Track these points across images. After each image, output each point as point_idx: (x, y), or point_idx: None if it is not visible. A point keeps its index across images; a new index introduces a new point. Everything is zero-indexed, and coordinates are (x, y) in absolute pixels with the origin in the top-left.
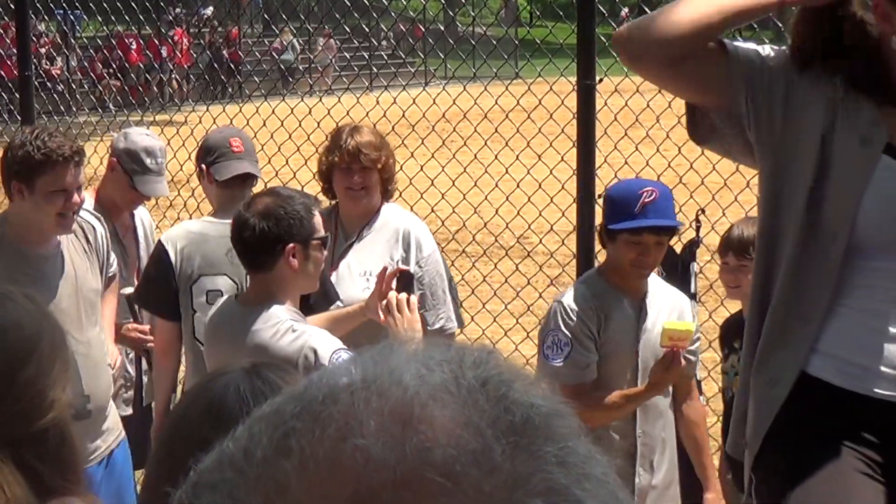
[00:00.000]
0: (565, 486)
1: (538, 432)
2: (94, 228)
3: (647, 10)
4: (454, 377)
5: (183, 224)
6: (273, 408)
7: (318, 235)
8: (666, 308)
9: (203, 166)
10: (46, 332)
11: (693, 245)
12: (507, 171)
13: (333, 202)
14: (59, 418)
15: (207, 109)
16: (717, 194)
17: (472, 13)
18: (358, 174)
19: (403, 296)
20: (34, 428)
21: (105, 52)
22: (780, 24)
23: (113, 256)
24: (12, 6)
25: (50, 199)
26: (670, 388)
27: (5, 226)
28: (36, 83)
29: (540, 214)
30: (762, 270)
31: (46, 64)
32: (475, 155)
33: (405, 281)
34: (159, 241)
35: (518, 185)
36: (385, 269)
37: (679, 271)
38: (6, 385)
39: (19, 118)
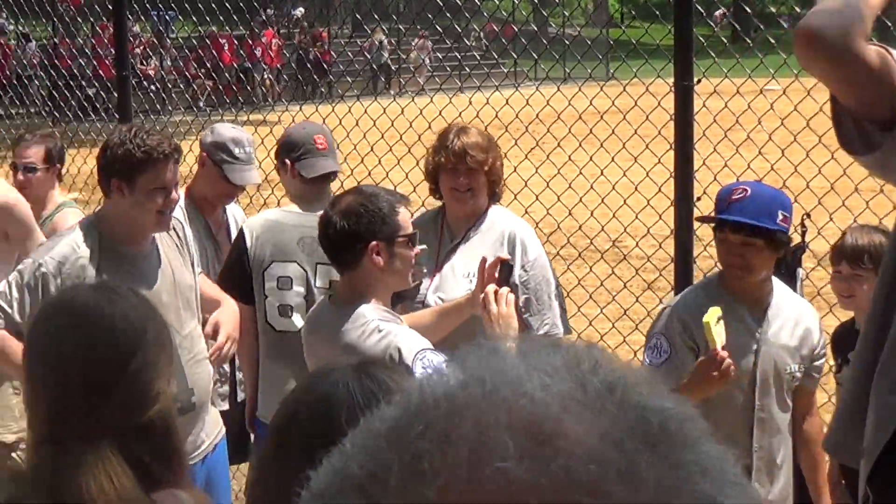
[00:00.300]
0: (711, 497)
1: (675, 439)
2: (182, 225)
3: (746, 8)
4: (580, 384)
5: (263, 213)
6: (390, 425)
7: (404, 233)
8: (791, 320)
9: (287, 160)
10: (151, 326)
11: (798, 250)
12: (601, 173)
13: (441, 203)
14: (164, 410)
15: (300, 109)
16: (823, 199)
17: (566, 13)
18: (464, 175)
19: (504, 290)
20: (141, 419)
21: (199, 51)
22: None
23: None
24: (110, 7)
25: (151, 197)
26: (790, 403)
27: (100, 226)
28: (132, 82)
29: (636, 217)
30: (891, 279)
31: (142, 64)
32: (569, 156)
33: (505, 273)
34: (241, 227)
35: (613, 188)
36: (484, 259)
37: (784, 275)
38: (114, 376)
39: (116, 117)
